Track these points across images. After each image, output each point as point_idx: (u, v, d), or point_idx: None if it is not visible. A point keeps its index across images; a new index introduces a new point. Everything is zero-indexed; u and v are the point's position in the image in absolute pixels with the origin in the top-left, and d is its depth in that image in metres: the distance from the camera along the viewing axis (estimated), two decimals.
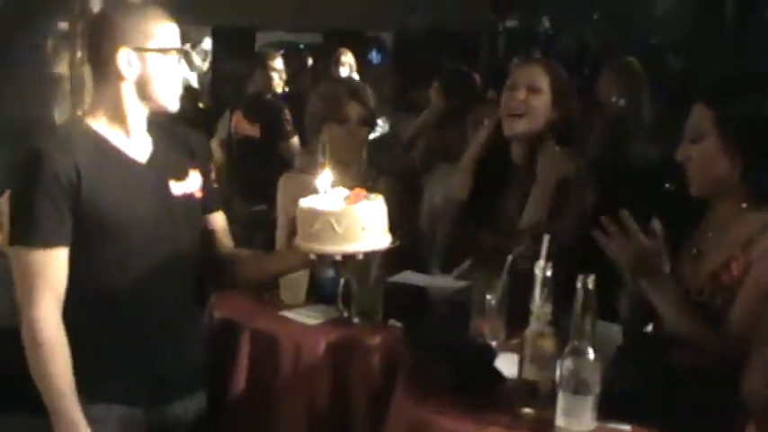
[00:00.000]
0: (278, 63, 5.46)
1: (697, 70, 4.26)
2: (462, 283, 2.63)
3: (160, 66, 2.08)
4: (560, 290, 1.87)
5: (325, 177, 2.08)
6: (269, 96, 5.43)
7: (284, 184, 3.31)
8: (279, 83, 5.48)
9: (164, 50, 2.08)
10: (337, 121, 3.13)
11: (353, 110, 3.14)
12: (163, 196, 2.14)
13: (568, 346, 1.75)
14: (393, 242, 2.05)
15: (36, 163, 1.99)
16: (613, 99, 4.18)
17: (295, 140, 5.20)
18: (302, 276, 2.56)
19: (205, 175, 2.27)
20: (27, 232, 1.99)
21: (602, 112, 4.11)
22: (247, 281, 2.41)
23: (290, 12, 8.65)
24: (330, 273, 2.55)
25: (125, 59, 2.05)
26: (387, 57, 10.59)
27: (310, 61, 6.59)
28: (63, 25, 3.83)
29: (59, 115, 3.69)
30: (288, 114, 5.27)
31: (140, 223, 2.08)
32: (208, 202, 2.27)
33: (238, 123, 5.39)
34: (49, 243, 1.99)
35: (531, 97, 2.79)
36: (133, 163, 2.12)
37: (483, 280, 2.11)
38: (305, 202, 2.04)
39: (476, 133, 3.52)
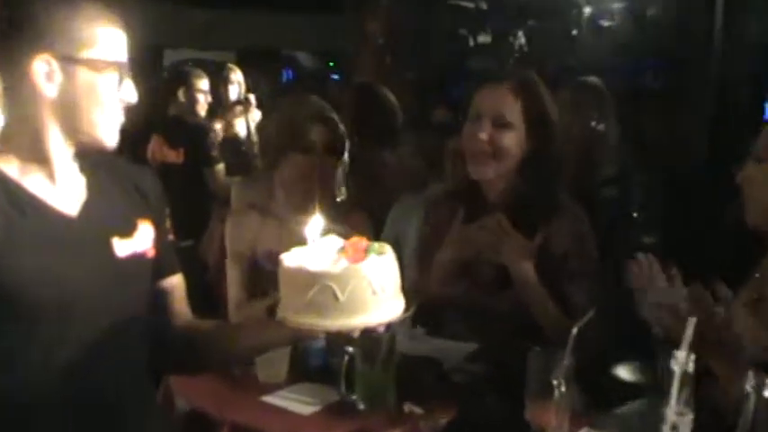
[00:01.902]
0: (203, 84, 4.89)
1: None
2: (467, 347, 2.17)
3: (94, 84, 1.54)
4: None
5: (314, 224, 1.55)
6: (192, 119, 4.84)
7: (234, 225, 2.77)
8: (203, 105, 4.90)
9: (100, 64, 1.53)
10: (300, 149, 2.63)
11: (319, 136, 2.65)
12: (103, 260, 1.60)
13: None
14: (409, 307, 1.57)
15: None
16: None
17: (221, 167, 4.70)
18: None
19: (159, 227, 1.72)
20: None
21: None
22: (212, 361, 1.86)
23: (199, 29, 8.16)
24: (319, 341, 2.00)
25: (43, 71, 1.50)
26: (299, 76, 10.27)
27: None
28: None
29: None
30: (214, 138, 4.73)
31: (72, 299, 1.54)
32: (163, 264, 1.74)
33: (158, 149, 4.79)
34: None
35: (499, 135, 2.28)
36: (60, 217, 1.57)
37: (540, 357, 1.60)
38: (290, 260, 1.51)
39: (452, 163, 3.09)
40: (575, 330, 1.59)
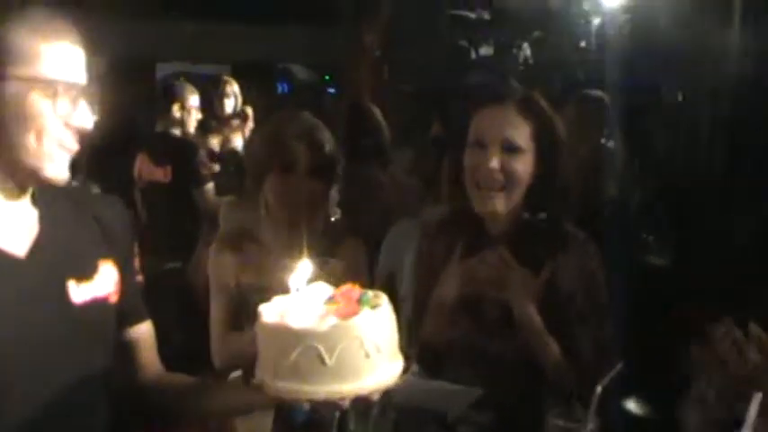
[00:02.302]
0: (194, 99, 4.69)
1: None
2: (470, 392, 1.96)
3: (27, 104, 1.33)
4: None
5: (300, 272, 1.34)
6: (179, 136, 4.63)
7: (217, 254, 2.57)
8: (193, 121, 4.70)
9: (37, 82, 1.33)
10: (281, 169, 2.44)
11: (301, 155, 2.44)
12: (56, 306, 1.41)
13: None
14: (407, 367, 1.36)
15: None
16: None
17: (210, 187, 4.49)
18: None
19: (124, 267, 1.50)
20: None
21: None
22: (186, 421, 1.63)
23: (193, 42, 7.99)
24: None
25: None
26: (294, 89, 10.11)
27: None
28: None
29: None
30: (203, 157, 4.52)
31: (19, 351, 1.34)
32: (128, 310, 1.53)
33: (144, 166, 4.59)
34: None
35: (510, 161, 2.05)
36: (4, 257, 1.37)
37: (560, 421, 1.38)
38: (269, 314, 1.30)
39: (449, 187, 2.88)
40: (599, 389, 1.37)
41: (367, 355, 1.22)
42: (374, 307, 1.26)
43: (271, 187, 2.49)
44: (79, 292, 1.42)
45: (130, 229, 1.59)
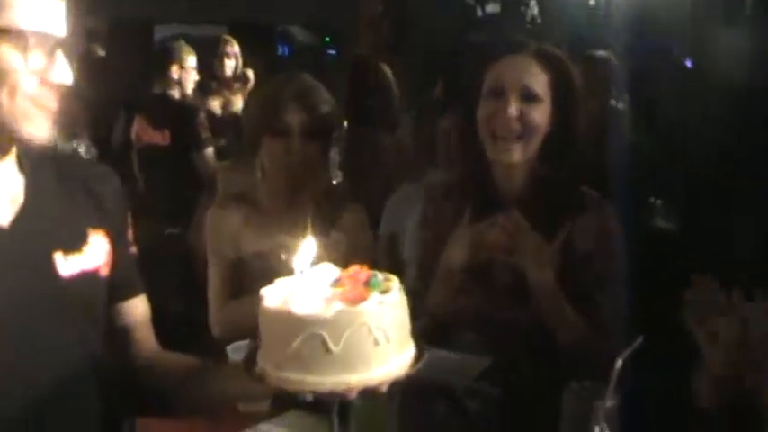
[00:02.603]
0: (192, 60, 4.60)
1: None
2: (478, 361, 1.89)
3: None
4: None
5: (304, 252, 1.24)
6: (178, 98, 4.54)
7: (215, 219, 2.51)
8: (191, 83, 4.61)
9: (3, 32, 1.23)
10: (274, 132, 2.37)
11: (295, 117, 2.38)
12: (42, 279, 1.33)
13: None
14: (420, 357, 1.24)
15: None
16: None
17: (210, 151, 4.42)
18: None
19: (116, 239, 1.42)
20: None
21: None
22: (183, 406, 1.55)
23: (190, 3, 7.85)
24: None
25: None
26: (295, 51, 9.97)
27: None
28: None
29: None
30: (203, 119, 4.43)
31: (1, 326, 1.27)
32: (121, 284, 1.45)
33: (142, 129, 4.51)
34: None
35: (528, 110, 1.99)
36: None
37: (577, 397, 1.31)
38: (271, 298, 1.21)
39: (447, 146, 2.79)
40: (619, 362, 1.30)
41: (376, 343, 1.13)
42: (384, 292, 1.18)
43: (266, 151, 2.43)
44: (67, 265, 1.35)
45: (123, 199, 1.51)
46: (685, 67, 4.06)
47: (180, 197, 4.30)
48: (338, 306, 1.14)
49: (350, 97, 3.42)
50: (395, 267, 2.92)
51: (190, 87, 4.62)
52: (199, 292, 2.64)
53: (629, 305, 2.05)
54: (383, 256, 2.90)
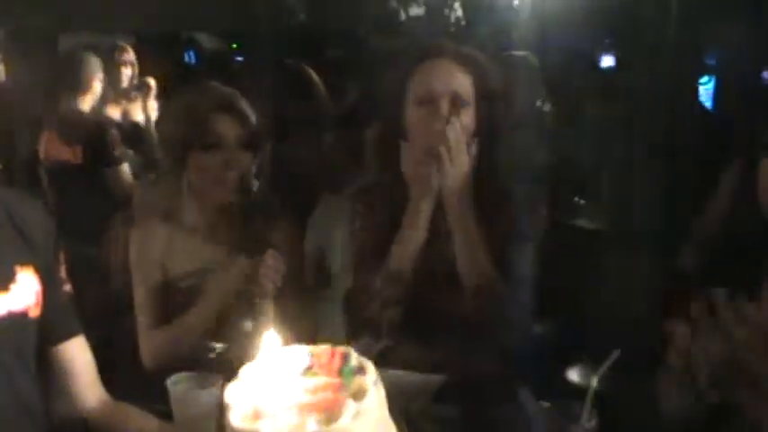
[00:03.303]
0: (99, 73, 4.41)
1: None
2: (432, 380, 1.84)
3: None
4: None
5: (268, 343, 1.14)
6: (88, 113, 4.35)
7: (139, 239, 2.39)
8: (98, 96, 4.41)
9: None
10: (206, 146, 2.27)
11: (228, 128, 2.29)
12: None
13: None
14: None
15: None
16: None
17: (125, 167, 4.23)
18: None
19: (46, 275, 1.30)
20: None
21: None
22: None
23: (97, 11, 7.59)
24: None
25: None
26: (202, 58, 9.76)
27: None
28: None
29: None
30: (115, 135, 4.24)
31: None
32: (55, 324, 1.32)
33: (51, 146, 4.29)
34: None
35: (459, 115, 2.03)
36: None
37: (554, 418, 1.25)
38: (238, 413, 1.07)
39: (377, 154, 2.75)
40: (594, 381, 1.25)
41: None
42: (358, 395, 1.07)
43: (195, 165, 2.32)
44: None
45: (52, 231, 1.39)
46: (599, 66, 4.11)
47: (93, 217, 4.11)
48: (311, 427, 1.02)
49: (274, 106, 3.31)
50: (324, 281, 2.87)
51: (95, 100, 4.41)
52: (119, 318, 2.52)
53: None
54: (311, 270, 2.84)
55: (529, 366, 2.28)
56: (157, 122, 4.49)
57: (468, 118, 2.03)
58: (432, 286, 2.08)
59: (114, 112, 4.84)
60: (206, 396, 1.66)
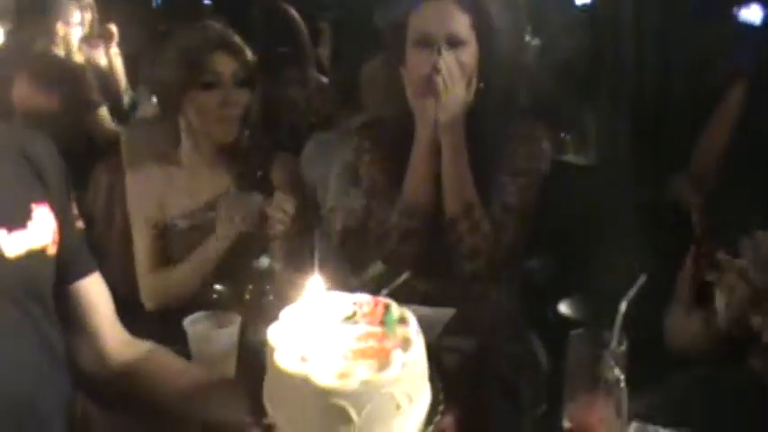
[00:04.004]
0: (77, 16, 4.27)
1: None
2: (444, 313, 1.83)
3: None
4: None
5: (313, 290, 1.14)
6: (64, 57, 4.23)
7: (136, 182, 2.37)
8: (76, 40, 4.30)
9: None
10: (204, 84, 2.25)
11: (226, 66, 2.27)
12: None
13: None
14: (438, 407, 1.13)
15: None
16: None
17: (104, 111, 4.13)
18: None
19: (63, 211, 1.27)
20: None
21: None
22: (157, 409, 1.38)
23: None
24: None
25: None
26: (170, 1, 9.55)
27: None
28: None
29: None
30: (92, 79, 4.14)
31: None
32: (72, 261, 1.31)
33: (24, 93, 4.16)
34: None
35: (457, 55, 2.04)
36: None
37: (584, 342, 1.26)
38: (286, 355, 1.06)
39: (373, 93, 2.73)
40: (623, 305, 1.25)
41: (398, 407, 1.04)
42: (405, 345, 1.07)
43: (194, 106, 2.29)
44: (11, 243, 1.20)
45: (64, 168, 1.36)
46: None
47: (75, 163, 4.03)
48: (362, 374, 1.03)
49: (260, 44, 3.25)
50: (316, 215, 2.87)
51: (75, 44, 4.30)
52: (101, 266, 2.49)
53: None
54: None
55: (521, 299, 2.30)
56: (156, 67, 4.38)
57: (468, 57, 2.04)
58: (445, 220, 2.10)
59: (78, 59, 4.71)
60: (225, 335, 1.66)
